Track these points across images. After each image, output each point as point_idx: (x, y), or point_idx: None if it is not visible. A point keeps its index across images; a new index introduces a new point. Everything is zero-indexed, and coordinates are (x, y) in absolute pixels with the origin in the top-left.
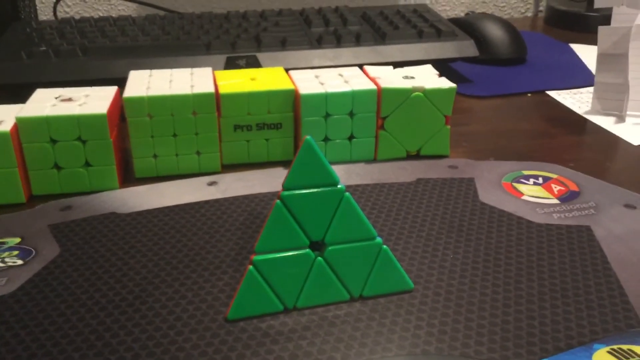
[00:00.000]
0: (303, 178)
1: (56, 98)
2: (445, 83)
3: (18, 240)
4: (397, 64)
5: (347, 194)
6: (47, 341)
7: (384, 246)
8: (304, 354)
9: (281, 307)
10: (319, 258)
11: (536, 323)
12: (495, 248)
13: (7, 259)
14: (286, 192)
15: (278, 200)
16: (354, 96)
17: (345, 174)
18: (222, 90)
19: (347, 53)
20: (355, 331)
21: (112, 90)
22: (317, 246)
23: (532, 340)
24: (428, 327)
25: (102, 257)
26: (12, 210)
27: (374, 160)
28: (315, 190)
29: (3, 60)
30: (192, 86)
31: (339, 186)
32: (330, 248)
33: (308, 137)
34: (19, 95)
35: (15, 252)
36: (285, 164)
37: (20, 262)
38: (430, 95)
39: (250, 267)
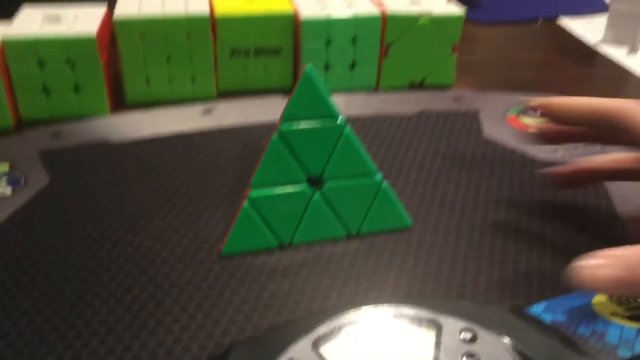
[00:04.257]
0: (302, 110)
1: (43, 18)
2: (454, 9)
3: (7, 165)
4: None
5: (347, 129)
6: (37, 274)
7: (384, 183)
8: (298, 292)
9: (276, 243)
10: (316, 194)
11: (535, 265)
12: (497, 186)
13: None
14: (284, 126)
15: (275, 136)
16: (357, 22)
17: (346, 104)
18: (218, 13)
19: None
20: (351, 269)
21: (101, 9)
22: (314, 181)
23: (530, 282)
24: (425, 266)
25: (93, 188)
26: (0, 136)
27: (376, 89)
28: (314, 124)
29: None
30: (186, 7)
31: (339, 120)
32: (328, 185)
33: (308, 67)
34: (6, 10)
35: (4, 179)
36: (284, 91)
37: (9, 190)
38: (437, 22)
39: (245, 202)
